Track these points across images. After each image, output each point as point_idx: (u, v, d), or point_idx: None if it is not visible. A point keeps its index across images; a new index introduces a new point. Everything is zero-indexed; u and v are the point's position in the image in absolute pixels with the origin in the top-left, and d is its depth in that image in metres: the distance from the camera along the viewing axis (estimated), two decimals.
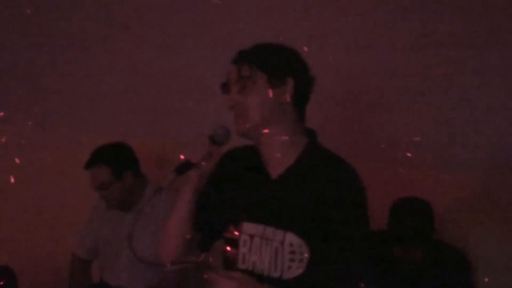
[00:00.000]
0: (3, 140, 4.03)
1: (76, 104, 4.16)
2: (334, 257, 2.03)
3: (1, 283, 3.63)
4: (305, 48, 2.26)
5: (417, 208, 3.13)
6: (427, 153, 3.38)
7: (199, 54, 3.83)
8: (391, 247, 3.17)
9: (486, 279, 3.19)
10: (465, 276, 3.18)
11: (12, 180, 4.07)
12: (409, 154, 3.28)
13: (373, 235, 3.18)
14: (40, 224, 4.18)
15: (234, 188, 2.22)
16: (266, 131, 2.14)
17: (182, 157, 2.20)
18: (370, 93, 3.49)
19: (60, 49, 4.21)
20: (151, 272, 3.50)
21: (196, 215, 2.23)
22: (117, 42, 4.10)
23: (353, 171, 2.11)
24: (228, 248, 2.22)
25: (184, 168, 2.16)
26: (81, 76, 4.16)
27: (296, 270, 2.09)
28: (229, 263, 2.22)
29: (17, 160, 3.67)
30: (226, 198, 2.23)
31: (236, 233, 2.19)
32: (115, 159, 3.46)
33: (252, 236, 2.16)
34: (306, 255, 2.08)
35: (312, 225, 2.06)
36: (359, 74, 3.50)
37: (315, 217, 2.06)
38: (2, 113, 3.89)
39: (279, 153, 2.16)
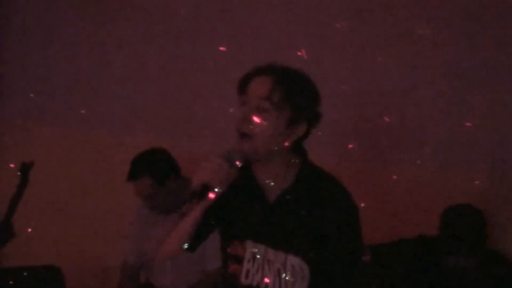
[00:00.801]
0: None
1: (122, 105, 4.20)
2: (334, 274, 2.09)
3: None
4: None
5: (469, 216, 3.09)
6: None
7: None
8: (443, 256, 3.13)
9: None
10: None
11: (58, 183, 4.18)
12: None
13: (421, 241, 3.23)
14: (87, 225, 4.23)
15: (234, 207, 2.22)
16: (265, 159, 2.12)
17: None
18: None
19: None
20: (193, 272, 3.54)
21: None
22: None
23: (344, 191, 2.13)
24: (231, 263, 2.24)
25: (204, 193, 2.11)
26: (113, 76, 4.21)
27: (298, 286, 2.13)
28: (232, 279, 2.24)
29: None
30: (231, 213, 2.24)
31: (240, 249, 2.21)
32: (157, 169, 3.45)
33: (254, 255, 2.19)
34: (307, 274, 2.11)
35: (310, 245, 2.10)
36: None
37: (313, 238, 2.09)
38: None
39: (275, 178, 2.15)
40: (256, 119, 2.07)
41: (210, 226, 2.27)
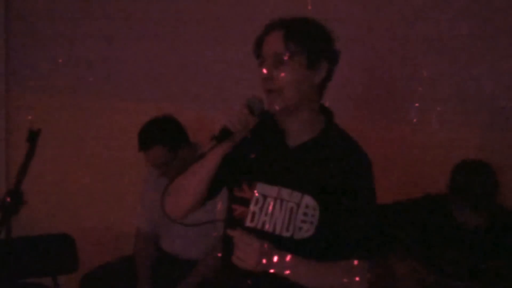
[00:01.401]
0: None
1: (121, 72, 4.20)
2: (343, 223, 2.14)
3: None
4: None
5: (479, 172, 3.08)
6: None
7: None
8: (451, 212, 3.14)
9: None
10: None
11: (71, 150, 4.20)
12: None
13: (428, 199, 3.23)
14: (99, 193, 4.26)
15: (252, 150, 2.27)
16: (294, 109, 2.19)
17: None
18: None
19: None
20: (204, 238, 3.56)
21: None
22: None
23: (363, 150, 2.22)
24: (237, 207, 2.28)
25: (223, 136, 2.18)
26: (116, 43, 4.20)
27: (306, 232, 2.17)
28: (235, 222, 2.27)
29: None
30: (243, 158, 2.28)
31: (249, 191, 2.25)
32: (169, 137, 3.45)
33: (265, 196, 2.22)
34: (316, 220, 2.16)
35: (326, 191, 2.15)
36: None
37: (329, 185, 2.15)
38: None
39: (299, 128, 2.23)
40: (276, 73, 2.15)
41: (225, 174, 2.29)
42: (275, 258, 2.11)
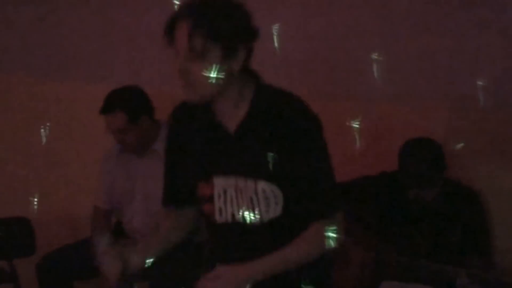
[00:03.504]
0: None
1: (84, 53, 4.14)
2: (305, 190, 2.11)
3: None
4: None
5: (425, 150, 3.12)
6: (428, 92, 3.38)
7: None
8: (404, 189, 3.17)
9: None
10: (476, 213, 3.19)
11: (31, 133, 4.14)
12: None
13: (384, 177, 3.27)
14: (56, 175, 4.22)
15: (196, 146, 2.23)
16: (214, 98, 2.11)
17: None
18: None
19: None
20: None
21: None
22: None
23: (303, 103, 2.13)
24: (204, 205, 2.25)
25: None
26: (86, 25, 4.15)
27: (273, 212, 2.14)
28: (208, 219, 2.28)
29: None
30: (190, 157, 2.25)
31: (208, 188, 2.22)
32: (131, 104, 3.46)
33: (225, 189, 2.19)
34: (281, 197, 2.12)
35: (278, 167, 2.09)
36: None
37: (279, 159, 2.08)
38: None
39: (231, 109, 2.14)
40: (190, 67, 2.03)
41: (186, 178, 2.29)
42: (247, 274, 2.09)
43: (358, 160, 3.38)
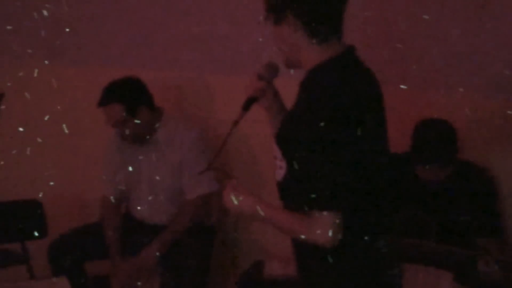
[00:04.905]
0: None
1: (86, 38, 4.13)
2: (302, 172, 1.99)
3: None
4: None
5: (439, 129, 3.12)
6: (442, 74, 3.35)
7: None
8: (416, 169, 3.17)
9: None
10: (488, 194, 3.18)
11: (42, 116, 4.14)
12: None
13: (397, 158, 3.25)
14: (67, 158, 4.23)
15: None
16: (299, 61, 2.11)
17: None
18: None
19: None
20: (171, 203, 3.56)
21: None
22: None
23: (337, 91, 2.00)
24: None
25: (248, 104, 2.21)
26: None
27: (278, 175, 2.12)
28: None
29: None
30: None
31: None
32: (128, 96, 3.45)
33: None
34: (284, 163, 2.08)
35: (284, 137, 2.09)
36: None
37: (289, 130, 2.07)
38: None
39: None
40: (271, 28, 2.11)
41: None
42: (241, 197, 2.08)
43: None
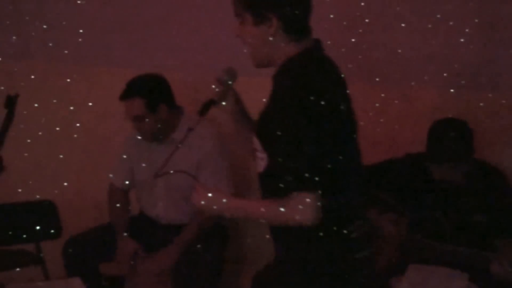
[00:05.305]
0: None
1: (109, 38, 4.14)
2: (276, 155, 2.11)
3: None
4: None
5: (454, 128, 3.11)
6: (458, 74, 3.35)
7: None
8: (430, 170, 3.16)
9: None
10: (504, 194, 3.16)
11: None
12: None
13: (409, 159, 3.25)
14: (81, 159, 4.24)
15: None
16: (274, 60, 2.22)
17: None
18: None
19: None
20: (187, 203, 3.54)
21: None
22: None
23: (303, 78, 2.13)
24: None
25: (205, 108, 2.33)
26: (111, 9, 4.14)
27: (259, 166, 2.22)
28: None
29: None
30: None
31: None
32: (150, 92, 3.46)
33: None
34: (265, 155, 2.18)
35: (263, 128, 2.20)
36: None
37: (266, 121, 2.19)
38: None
39: None
40: (240, 31, 2.24)
41: None
42: (210, 195, 2.21)
43: (385, 143, 3.38)
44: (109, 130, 4.13)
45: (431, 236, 3.08)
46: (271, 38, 2.18)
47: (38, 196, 3.87)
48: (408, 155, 3.29)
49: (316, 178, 2.05)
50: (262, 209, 2.14)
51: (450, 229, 3.09)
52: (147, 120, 3.46)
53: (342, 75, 2.25)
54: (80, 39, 4.06)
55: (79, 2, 4.06)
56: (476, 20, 3.32)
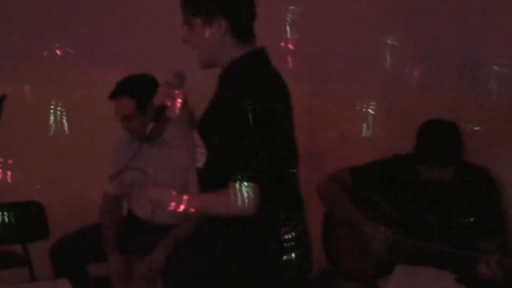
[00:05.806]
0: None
1: (93, 38, 4.13)
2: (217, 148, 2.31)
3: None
4: None
5: (444, 129, 3.11)
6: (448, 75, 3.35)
7: None
8: (417, 171, 3.14)
9: None
10: (491, 195, 3.17)
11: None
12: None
13: (396, 159, 3.26)
14: (68, 159, 4.23)
15: None
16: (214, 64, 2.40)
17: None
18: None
19: None
20: None
21: None
22: None
23: (247, 75, 2.34)
24: None
25: (158, 114, 2.48)
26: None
27: (199, 162, 2.41)
28: None
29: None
30: None
31: None
32: (140, 92, 3.45)
33: None
34: (204, 150, 2.38)
35: (204, 124, 2.40)
36: None
37: (207, 117, 2.38)
38: None
39: None
40: (187, 36, 2.39)
41: None
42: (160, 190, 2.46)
43: (374, 145, 3.39)
44: (97, 130, 4.12)
45: (418, 237, 3.08)
46: (219, 41, 2.33)
47: (25, 197, 3.85)
48: (396, 155, 3.30)
49: (256, 170, 2.22)
50: (206, 199, 2.34)
51: (437, 229, 3.09)
52: (135, 119, 3.45)
53: (282, 79, 2.42)
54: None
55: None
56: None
